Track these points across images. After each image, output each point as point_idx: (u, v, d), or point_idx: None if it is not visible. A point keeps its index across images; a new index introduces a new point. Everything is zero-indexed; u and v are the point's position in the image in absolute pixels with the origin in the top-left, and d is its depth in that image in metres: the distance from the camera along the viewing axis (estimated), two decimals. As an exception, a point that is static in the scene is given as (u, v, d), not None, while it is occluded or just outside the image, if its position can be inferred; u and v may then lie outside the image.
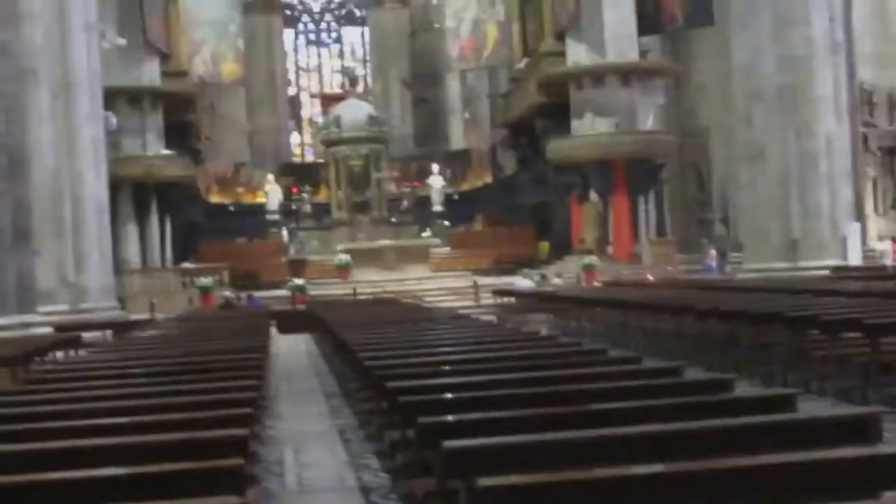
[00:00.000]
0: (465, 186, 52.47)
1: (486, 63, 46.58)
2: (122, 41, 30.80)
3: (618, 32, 36.94)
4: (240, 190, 52.83)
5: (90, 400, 7.64)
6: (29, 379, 9.90)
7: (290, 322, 24.11)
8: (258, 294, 31.77)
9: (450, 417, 5.48)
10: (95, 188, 24.82)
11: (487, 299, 29.45)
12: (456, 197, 49.84)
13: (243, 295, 29.85)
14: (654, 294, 18.85)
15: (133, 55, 34.79)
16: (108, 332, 20.67)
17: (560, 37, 39.12)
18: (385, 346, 10.38)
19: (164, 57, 37.84)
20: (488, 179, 51.40)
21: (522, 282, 27.97)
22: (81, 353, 17.20)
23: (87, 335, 18.30)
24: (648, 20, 38.04)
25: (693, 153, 43.41)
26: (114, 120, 28.43)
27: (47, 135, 23.20)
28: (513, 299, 26.03)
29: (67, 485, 4.85)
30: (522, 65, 41.90)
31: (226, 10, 43.91)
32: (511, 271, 39.27)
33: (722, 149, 41.46)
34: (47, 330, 18.61)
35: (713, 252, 38.10)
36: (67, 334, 16.72)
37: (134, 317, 26.22)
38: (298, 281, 31.71)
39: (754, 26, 25.72)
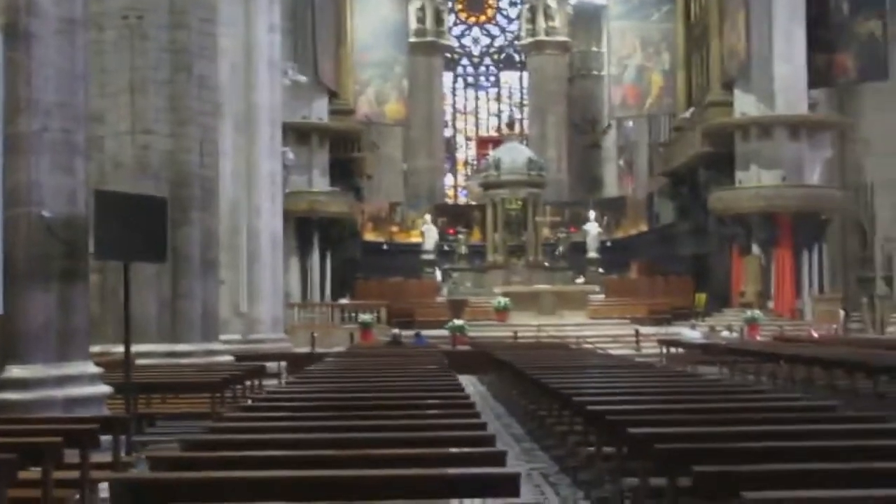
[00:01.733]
0: (619, 234, 52.23)
1: (648, 111, 46.33)
2: (304, 78, 31.52)
3: (788, 84, 36.48)
4: (393, 229, 53.44)
5: (314, 430, 7.68)
6: (243, 407, 10.05)
7: (456, 362, 24.14)
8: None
9: (743, 468, 5.37)
10: (271, 221, 25.33)
11: (648, 348, 29.13)
12: (609, 244, 49.59)
13: (409, 333, 30.05)
14: (847, 351, 18.37)
15: (303, 93, 35.54)
16: (283, 364, 20.98)
17: (728, 87, 38.77)
18: (599, 391, 10.31)
19: (333, 95, 38.58)
20: (643, 228, 51.02)
21: (690, 332, 27.58)
22: (266, 382, 17.57)
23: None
24: (820, 73, 37.47)
25: (856, 209, 42.37)
26: (291, 155, 29.07)
27: (229, 167, 23.75)
28: (678, 350, 25.65)
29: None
30: (688, 114, 41.58)
31: (392, 51, 44.58)
32: (667, 321, 38.87)
33: (887, 205, 40.49)
34: (229, 358, 18.94)
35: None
36: (252, 364, 16.99)
37: (298, 349, 26.65)
38: (458, 321, 31.77)
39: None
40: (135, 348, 12.18)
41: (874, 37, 36.65)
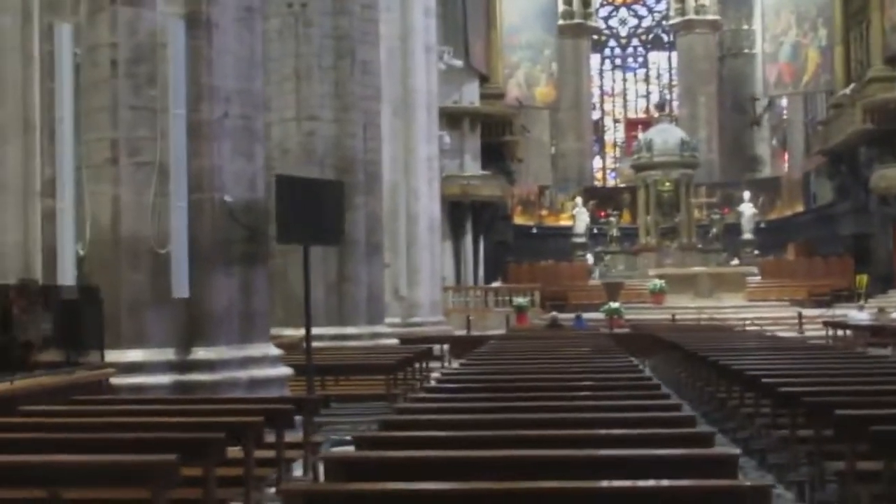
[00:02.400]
0: (774, 215, 51.09)
1: (804, 89, 45.21)
2: (459, 63, 31.59)
3: (954, 57, 35.20)
4: (543, 212, 53.23)
5: (509, 410, 7.63)
6: (426, 388, 10.07)
7: (618, 344, 23.94)
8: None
9: None
10: (428, 205, 25.48)
11: (811, 331, 28.47)
12: (763, 225, 48.59)
13: (568, 316, 29.93)
14: None
15: (455, 77, 35.61)
16: (446, 347, 21.07)
17: (890, 62, 37.58)
18: (787, 373, 10.08)
19: (484, 79, 38.59)
20: (799, 208, 49.83)
21: (858, 314, 26.81)
22: (432, 365, 17.68)
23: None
24: None
25: None
26: (448, 139, 29.16)
27: (388, 151, 23.88)
28: (846, 332, 24.98)
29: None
30: (848, 90, 40.40)
31: (541, 34, 44.37)
32: (827, 304, 37.92)
33: None
34: (394, 341, 19.13)
35: None
36: (420, 346, 17.10)
37: (455, 332, 26.75)
38: (614, 304, 31.51)
39: None
40: (304, 331, 12.34)
41: None
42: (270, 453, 7.68)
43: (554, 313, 28.85)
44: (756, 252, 44.99)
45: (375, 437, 6.48)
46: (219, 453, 6.39)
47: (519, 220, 50.39)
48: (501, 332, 28.93)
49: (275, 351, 11.80)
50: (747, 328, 26.57)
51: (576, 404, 7.88)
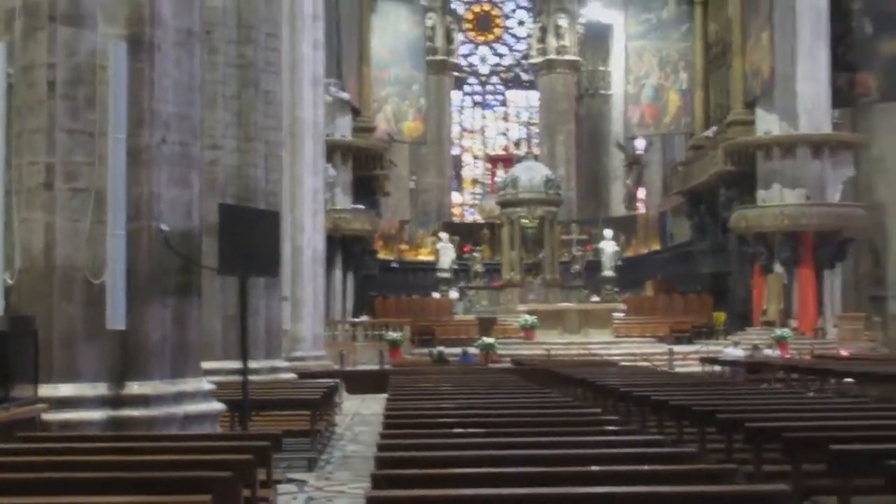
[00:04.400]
0: (630, 253, 52.17)
1: (665, 130, 46.42)
2: (346, 95, 31.39)
3: (811, 103, 36.50)
4: (403, 247, 53.32)
5: (516, 446, 7.53)
6: (395, 425, 9.82)
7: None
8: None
9: None
10: (313, 238, 25.21)
11: (680, 367, 29.07)
12: (620, 263, 49.53)
13: (454, 350, 29.93)
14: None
15: (328, 110, 35.40)
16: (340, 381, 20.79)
17: (749, 106, 38.83)
18: (739, 408, 10.22)
19: (355, 112, 38.50)
20: (655, 246, 51.00)
21: (733, 350, 27.49)
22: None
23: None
24: (842, 92, 37.56)
25: (868, 228, 42.34)
26: (333, 171, 28.94)
27: (275, 183, 23.61)
28: (718, 368, 25.57)
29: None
30: (710, 132, 41.62)
31: (410, 69, 44.56)
32: (688, 340, 38.88)
33: (903, 225, 40.60)
34: (292, 375, 18.84)
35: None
36: (329, 381, 16.83)
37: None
38: (488, 339, 31.63)
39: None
40: (203, 365, 11.96)
41: (896, 56, 36.81)
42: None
43: (441, 348, 28.83)
44: (616, 289, 45.80)
45: (395, 475, 6.25)
46: (231, 493, 6.12)
47: (381, 254, 50.34)
48: (375, 367, 28.80)
49: (207, 385, 11.44)
50: (638, 364, 26.98)
51: (567, 440, 7.80)
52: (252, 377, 17.40)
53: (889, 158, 41.88)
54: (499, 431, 8.44)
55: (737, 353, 26.76)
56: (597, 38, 58.48)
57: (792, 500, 6.00)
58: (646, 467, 6.67)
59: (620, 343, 35.05)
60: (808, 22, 36.31)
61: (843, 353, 31.06)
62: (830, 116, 37.65)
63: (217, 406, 11.42)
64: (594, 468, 6.57)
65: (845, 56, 37.62)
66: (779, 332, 33.16)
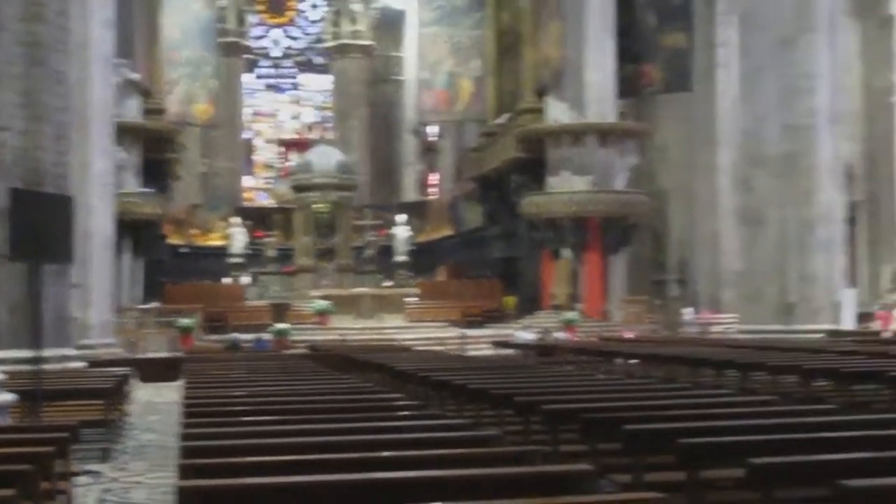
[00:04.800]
0: (422, 238, 52.65)
1: (458, 116, 47.01)
2: (136, 76, 30.60)
3: (599, 93, 37.63)
4: (194, 232, 52.49)
5: (318, 433, 7.54)
6: (197, 414, 9.67)
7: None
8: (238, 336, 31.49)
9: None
10: (103, 223, 24.60)
11: (473, 351, 29.53)
12: (413, 247, 49.94)
13: (248, 337, 29.61)
14: (686, 350, 19.19)
15: (118, 91, 34.51)
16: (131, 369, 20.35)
17: (540, 94, 39.69)
18: (537, 390, 10.49)
19: (146, 94, 37.62)
20: (447, 231, 51.64)
21: (524, 333, 28.12)
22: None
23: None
24: (628, 83, 38.83)
25: (651, 215, 43.91)
26: (124, 154, 28.20)
27: (63, 166, 22.90)
28: (510, 351, 26.14)
29: None
30: (503, 119, 42.36)
31: (201, 51, 43.82)
32: (480, 324, 39.51)
33: (681, 211, 42.21)
34: (82, 364, 18.37)
35: (689, 310, 38.71)
36: (122, 370, 16.46)
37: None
38: (282, 325, 31.49)
39: (760, 94, 26.28)
40: None
41: (679, 49, 38.23)
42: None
43: (235, 334, 28.53)
44: (409, 274, 46.17)
45: (214, 464, 6.16)
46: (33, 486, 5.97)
47: (171, 239, 49.39)
48: (166, 354, 28.29)
49: (-2, 375, 11.08)
50: (432, 348, 27.29)
51: (366, 426, 7.86)
52: (41, 366, 16.98)
53: (671, 147, 43.50)
54: (294, 419, 8.42)
55: (528, 336, 27.41)
56: (391, 24, 58.70)
57: (592, 481, 6.21)
58: (448, 451, 6.78)
59: (414, 328, 35.37)
60: (596, 14, 37.37)
61: (628, 335, 32.14)
62: (616, 106, 38.87)
63: (7, 397, 11.06)
64: (389, 453, 6.62)
65: (631, 48, 38.88)
66: (567, 315, 34.06)
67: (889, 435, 7.42)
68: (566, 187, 37.65)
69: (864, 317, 31.93)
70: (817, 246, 25.92)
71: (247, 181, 61.53)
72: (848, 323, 26.89)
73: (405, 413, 9.11)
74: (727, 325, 32.49)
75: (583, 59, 37.19)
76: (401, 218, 47.80)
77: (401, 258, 46.34)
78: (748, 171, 26.96)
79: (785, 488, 5.97)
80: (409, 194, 59.11)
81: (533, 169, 39.43)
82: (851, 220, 38.63)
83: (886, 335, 25.60)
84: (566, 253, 38.29)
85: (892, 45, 40.25)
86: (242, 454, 6.52)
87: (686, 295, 40.40)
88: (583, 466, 6.05)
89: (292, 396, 10.53)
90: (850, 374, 12.79)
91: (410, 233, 47.54)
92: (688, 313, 36.87)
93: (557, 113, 38.31)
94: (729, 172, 35.73)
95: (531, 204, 38.43)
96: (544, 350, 24.53)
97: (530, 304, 39.98)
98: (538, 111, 39.57)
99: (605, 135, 37.68)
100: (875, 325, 28.54)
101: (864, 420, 8.55)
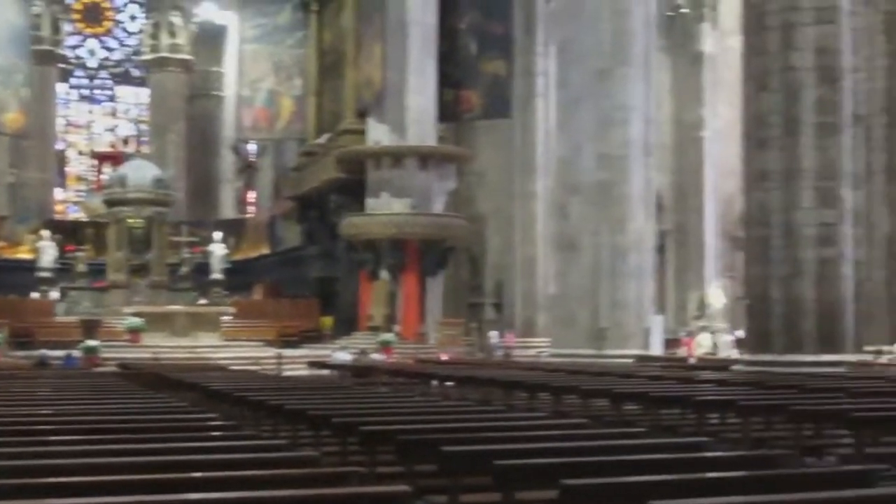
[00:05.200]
0: (239, 256, 52.08)
1: (278, 135, 46.74)
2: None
3: (419, 116, 37.91)
4: (0, 244, 50.78)
5: (120, 454, 7.38)
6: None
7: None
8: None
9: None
10: None
11: (289, 371, 29.30)
12: (229, 266, 49.35)
13: (58, 353, 28.69)
14: (501, 373, 19.47)
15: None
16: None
17: (361, 115, 39.78)
18: (359, 412, 10.48)
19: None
20: (265, 250, 51.22)
21: (341, 354, 28.04)
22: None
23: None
24: (448, 107, 39.28)
25: (469, 238, 44.43)
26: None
27: None
28: (327, 372, 26.03)
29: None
30: (323, 139, 42.29)
31: (13, 58, 42.46)
32: (296, 344, 39.28)
33: (498, 236, 42.88)
34: None
35: (495, 333, 39.35)
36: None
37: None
38: (92, 342, 30.67)
39: (576, 124, 26.93)
40: None
41: (499, 76, 38.87)
42: None
43: (43, 351, 27.64)
44: (224, 292, 45.60)
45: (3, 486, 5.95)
46: None
47: (-25, 252, 47.74)
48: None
49: None
50: (248, 367, 26.97)
51: (177, 446, 7.72)
52: None
53: (490, 172, 44.18)
54: (102, 438, 8.21)
55: (344, 357, 27.36)
56: (211, 39, 57.98)
57: (408, 502, 6.24)
58: (263, 472, 6.72)
59: (229, 347, 34.88)
60: (418, 37, 37.68)
61: (444, 357, 32.39)
62: (436, 130, 39.26)
63: None
64: (200, 474, 6.50)
65: (452, 73, 39.36)
66: (384, 336, 34.13)
67: (695, 458, 7.67)
68: (385, 209, 37.79)
69: (671, 342, 33.04)
70: (629, 273, 26.66)
71: (58, 194, 59.82)
72: (656, 348, 27.73)
73: (218, 433, 8.99)
74: (540, 348, 33.07)
75: (404, 82, 37.43)
76: (217, 235, 47.19)
77: (217, 276, 45.74)
78: (564, 198, 27.58)
79: (596, 509, 6.11)
80: (227, 211, 58.45)
81: (353, 190, 39.47)
82: (661, 249, 40.00)
83: (692, 361, 26.40)
84: (384, 274, 38.38)
85: (702, 81, 41.85)
86: (46, 475, 6.33)
87: (502, 318, 41.00)
88: (400, 487, 6.08)
89: (102, 415, 10.25)
90: (658, 398, 13.16)
91: (227, 250, 46.98)
92: (493, 336, 37.52)
93: (378, 135, 38.46)
94: (546, 199, 36.44)
95: (350, 225, 38.45)
96: (361, 371, 24.52)
97: (348, 324, 39.96)
98: (359, 132, 39.65)
99: (425, 158, 37.97)
100: (682, 351, 29.43)
101: (672, 443, 8.83)
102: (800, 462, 9.98)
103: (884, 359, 22.86)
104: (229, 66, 56.41)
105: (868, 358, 21.52)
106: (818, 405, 11.64)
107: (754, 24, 20.27)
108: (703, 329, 35.11)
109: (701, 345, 30.98)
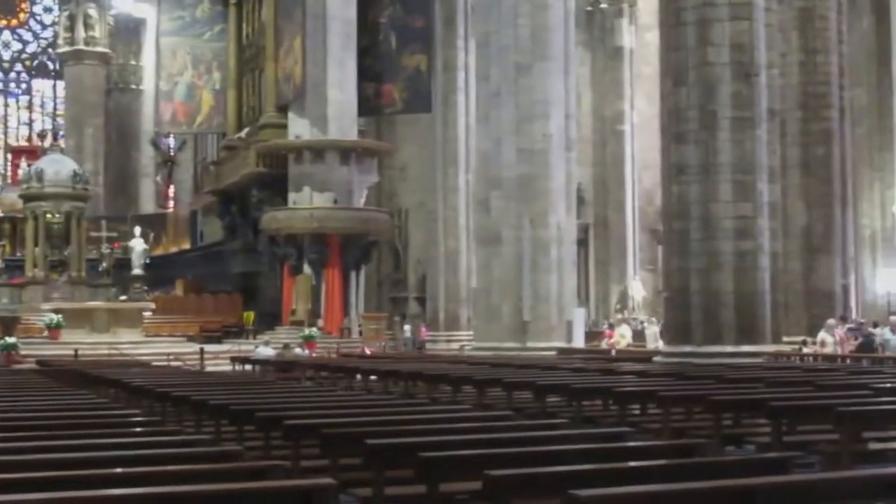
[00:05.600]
0: (160, 251, 51.62)
1: (198, 129, 46.32)
2: None
3: (340, 111, 37.74)
4: None
5: (42, 450, 7.32)
6: None
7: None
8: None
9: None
10: None
11: (211, 366, 29.13)
12: (149, 261, 48.86)
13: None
14: (425, 366, 19.54)
15: None
16: None
17: (282, 110, 39.56)
18: (283, 406, 10.47)
19: None
20: (186, 245, 50.78)
21: (264, 350, 27.91)
22: None
23: None
24: (369, 102, 39.19)
25: (391, 233, 44.47)
26: None
27: None
28: (250, 367, 25.89)
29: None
30: (243, 134, 42.00)
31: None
32: (219, 339, 39.01)
33: (421, 230, 43.01)
34: None
35: (407, 328, 39.59)
36: None
37: None
38: (10, 339, 30.22)
39: (496, 118, 27.05)
40: None
41: (419, 71, 38.83)
42: None
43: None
44: (145, 288, 45.16)
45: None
46: None
47: None
48: None
49: None
50: (170, 363, 26.77)
51: (111, 442, 7.69)
52: None
53: (412, 167, 44.32)
54: (22, 436, 8.14)
55: (267, 351, 27.26)
56: (129, 32, 57.45)
57: (333, 495, 6.27)
58: (187, 467, 6.71)
59: (151, 343, 34.60)
60: (338, 32, 37.52)
61: (367, 351, 32.40)
62: (357, 124, 39.20)
63: None
64: (122, 470, 6.48)
65: (373, 67, 39.27)
66: (307, 331, 34.05)
67: (616, 447, 7.79)
68: (307, 203, 37.65)
69: (593, 335, 33.37)
70: (551, 266, 26.86)
71: (-28, 189, 58.80)
72: (579, 341, 27.97)
73: (141, 429, 8.94)
74: (463, 342, 33.24)
75: (325, 76, 37.24)
76: (137, 230, 46.67)
77: (137, 271, 45.25)
78: (485, 192, 27.70)
79: (520, 499, 6.18)
80: (147, 206, 57.92)
81: (274, 184, 39.26)
82: (582, 242, 40.41)
83: (613, 353, 26.68)
84: (307, 269, 38.23)
85: (622, 76, 42.29)
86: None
87: (425, 312, 41.12)
88: (324, 480, 6.11)
89: (21, 412, 10.16)
90: (580, 390, 13.31)
91: (147, 246, 46.49)
92: (407, 331, 37.67)
93: (299, 129, 38.26)
94: (468, 193, 36.55)
95: (272, 219, 38.25)
96: (284, 366, 24.44)
97: (270, 319, 39.74)
98: (280, 126, 39.41)
99: (346, 152, 37.84)
100: (603, 344, 29.72)
101: (593, 433, 8.95)
102: (719, 451, 10.17)
103: (808, 349, 23.27)
104: (147, 60, 55.88)
105: (787, 349, 21.94)
106: (737, 395, 11.86)
107: (671, 19, 20.51)
108: (624, 321, 35.51)
109: (624, 336, 31.29)
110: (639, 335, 32.89)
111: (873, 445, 9.92)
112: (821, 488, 5.95)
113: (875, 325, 25.91)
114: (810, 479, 6.46)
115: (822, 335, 23.71)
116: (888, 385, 13.30)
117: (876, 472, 7.19)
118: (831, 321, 24.47)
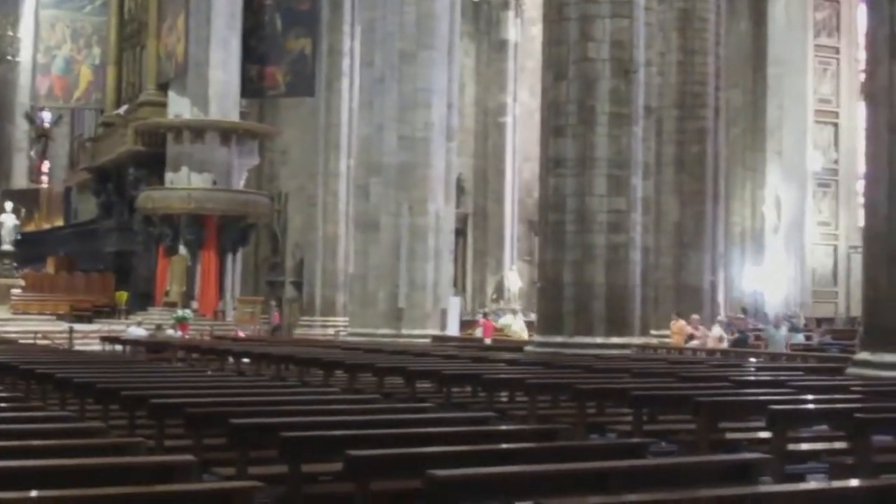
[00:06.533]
0: (32, 227, 50.49)
1: (75, 104, 45.38)
2: None
3: (222, 91, 37.41)
4: None
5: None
6: None
7: None
8: None
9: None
10: None
11: (81, 346, 28.71)
12: (20, 237, 47.72)
13: None
14: (297, 350, 19.54)
15: None
16: None
17: (162, 88, 39.03)
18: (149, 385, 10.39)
19: None
20: (59, 222, 49.78)
21: (136, 330, 27.55)
22: None
23: None
24: (252, 83, 38.87)
25: (270, 216, 44.15)
26: None
27: None
28: (120, 347, 25.55)
29: None
30: (122, 111, 41.29)
31: None
32: (89, 319, 38.38)
33: (300, 214, 42.80)
34: None
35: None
36: None
37: None
38: None
39: (379, 105, 27.05)
40: None
41: (304, 54, 38.60)
42: None
43: None
44: (14, 264, 44.12)
45: None
46: None
47: None
48: None
49: None
50: (38, 341, 26.27)
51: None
52: None
53: (293, 150, 44.03)
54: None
55: (139, 332, 26.93)
56: (6, 2, 55.99)
57: (194, 472, 6.26)
58: (50, 442, 6.65)
59: (18, 320, 33.99)
60: (223, 11, 37.16)
61: (241, 334, 32.23)
62: (239, 105, 38.85)
63: None
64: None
65: (256, 48, 38.93)
66: (180, 312, 33.65)
67: (481, 430, 7.92)
68: (185, 184, 37.22)
69: (468, 324, 33.61)
70: (427, 254, 26.98)
71: None
72: (453, 329, 28.17)
73: (3, 405, 8.81)
74: (339, 328, 33.21)
75: (207, 55, 36.84)
76: (8, 205, 45.50)
77: (6, 247, 44.09)
78: (365, 179, 27.69)
79: (380, 480, 6.26)
80: (20, 181, 56.59)
81: (152, 163, 38.74)
82: (461, 232, 40.63)
83: (488, 342, 26.93)
84: (182, 250, 37.80)
85: (506, 68, 42.61)
86: None
87: (301, 297, 40.94)
88: (185, 457, 6.11)
89: None
90: (449, 376, 13.44)
91: (18, 222, 45.36)
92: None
93: (179, 108, 37.81)
94: (349, 178, 36.46)
95: (148, 199, 37.73)
96: (155, 347, 24.18)
97: (144, 300, 39.23)
98: (160, 104, 38.92)
99: (227, 133, 37.55)
100: (478, 332, 29.96)
101: (460, 417, 9.09)
102: (583, 438, 10.38)
103: (694, 343, 23.79)
104: (25, 31, 54.51)
105: (654, 341, 22.39)
106: (602, 384, 12.10)
107: (554, 14, 20.75)
108: (510, 311, 35.74)
109: (510, 326, 31.47)
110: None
111: (730, 435, 10.21)
112: (669, 472, 6.16)
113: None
114: (660, 463, 6.66)
115: (716, 329, 24.42)
116: (748, 378, 13.71)
117: (723, 458, 7.47)
118: (695, 316, 25.12)
